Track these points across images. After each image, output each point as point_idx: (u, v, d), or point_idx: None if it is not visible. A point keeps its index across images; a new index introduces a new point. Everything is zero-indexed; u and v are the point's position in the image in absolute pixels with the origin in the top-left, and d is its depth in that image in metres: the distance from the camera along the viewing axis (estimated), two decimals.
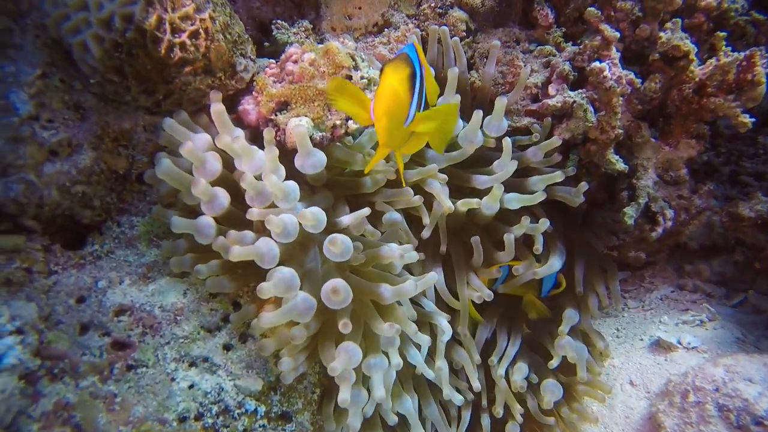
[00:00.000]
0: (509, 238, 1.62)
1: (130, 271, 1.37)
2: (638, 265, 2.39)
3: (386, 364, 1.37)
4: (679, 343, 1.89)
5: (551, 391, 1.67)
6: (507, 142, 1.62)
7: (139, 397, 1.20)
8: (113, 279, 1.35)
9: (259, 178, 1.29)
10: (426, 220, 1.60)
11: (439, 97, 1.66)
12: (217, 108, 1.32)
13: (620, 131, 1.69)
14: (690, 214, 2.13)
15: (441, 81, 1.71)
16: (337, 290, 1.20)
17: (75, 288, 1.31)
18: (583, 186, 1.69)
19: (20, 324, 1.00)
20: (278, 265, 1.26)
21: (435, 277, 1.40)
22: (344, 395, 1.27)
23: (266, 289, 1.20)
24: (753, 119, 1.63)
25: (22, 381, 0.98)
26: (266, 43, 1.80)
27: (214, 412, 1.26)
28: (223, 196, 1.27)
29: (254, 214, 1.28)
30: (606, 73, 1.58)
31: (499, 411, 1.68)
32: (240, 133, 1.34)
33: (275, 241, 1.26)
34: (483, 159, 1.75)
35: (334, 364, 1.24)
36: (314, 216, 1.25)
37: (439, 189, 1.59)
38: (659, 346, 1.92)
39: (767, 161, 2.41)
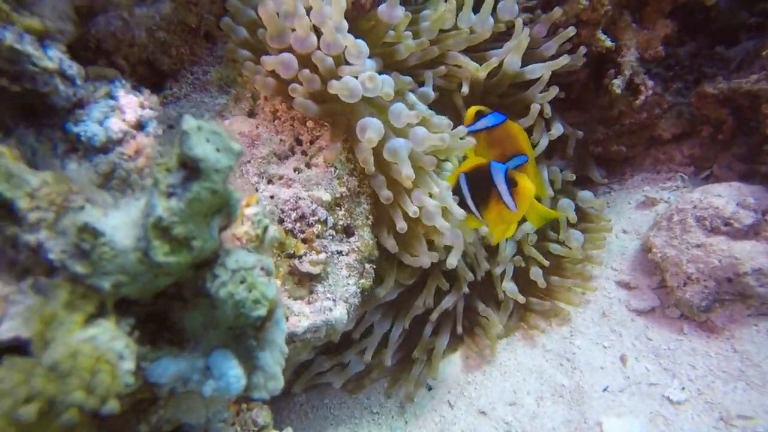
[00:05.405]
0: (534, 107, 1.89)
1: (208, 109, 1.58)
2: (619, 159, 2.73)
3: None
4: (661, 199, 2.23)
5: (576, 238, 1.97)
6: (519, 21, 1.89)
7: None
8: (195, 114, 1.55)
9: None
10: (466, 88, 1.86)
11: None
12: None
13: (609, 8, 2.00)
14: (662, 109, 2.48)
15: None
16: (373, 78, 1.43)
17: (164, 118, 1.50)
18: (582, 49, 1.98)
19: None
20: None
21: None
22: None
23: (369, 137, 1.45)
24: None
25: None
26: None
27: (293, 218, 1.48)
28: (314, 37, 1.46)
29: (345, 71, 1.47)
30: None
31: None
32: None
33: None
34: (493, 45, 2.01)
35: None
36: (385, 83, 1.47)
37: (463, 57, 1.85)
38: (645, 203, 2.26)
39: (723, 67, 2.79)
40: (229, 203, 0.63)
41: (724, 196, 1.78)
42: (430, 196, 1.54)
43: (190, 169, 0.55)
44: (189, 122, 0.56)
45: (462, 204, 1.56)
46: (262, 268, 0.67)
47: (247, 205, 0.93)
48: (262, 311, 0.64)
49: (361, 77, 1.43)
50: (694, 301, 1.79)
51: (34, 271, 0.66)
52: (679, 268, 1.82)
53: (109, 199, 0.72)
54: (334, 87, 1.43)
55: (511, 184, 1.48)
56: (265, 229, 0.93)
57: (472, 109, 1.78)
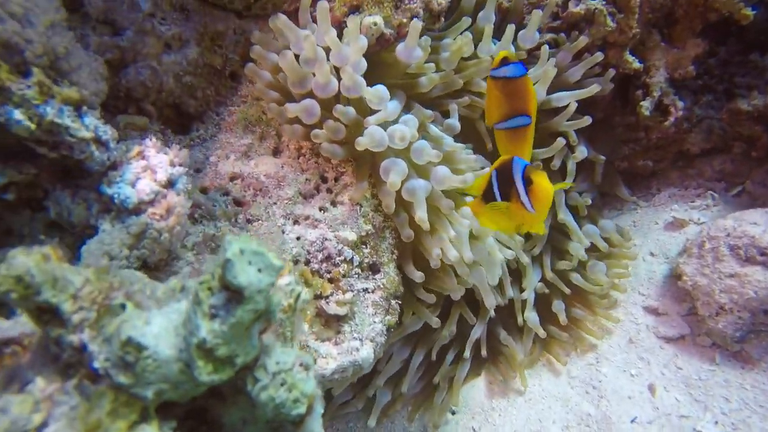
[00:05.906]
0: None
1: (234, 150, 1.59)
2: (646, 174, 2.67)
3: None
4: (690, 220, 2.17)
5: (600, 269, 1.94)
6: (544, 48, 1.86)
7: (260, 241, 1.43)
8: (221, 155, 1.57)
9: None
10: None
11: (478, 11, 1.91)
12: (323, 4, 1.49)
13: (637, 30, 1.95)
14: (692, 123, 2.41)
15: None
16: (404, 137, 1.43)
17: (191, 162, 1.53)
18: (611, 72, 1.94)
19: (181, 162, 1.22)
20: None
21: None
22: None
23: (393, 181, 1.46)
24: (754, 11, 1.90)
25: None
26: None
27: (320, 259, 1.49)
28: (335, 81, 1.47)
29: (370, 121, 1.48)
30: None
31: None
32: (333, 31, 1.53)
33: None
34: None
35: None
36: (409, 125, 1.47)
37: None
38: (673, 224, 2.21)
39: (757, 76, 2.69)
40: (269, 310, 0.64)
41: (761, 224, 1.73)
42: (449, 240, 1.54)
43: (233, 292, 0.56)
44: (233, 248, 0.57)
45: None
46: (301, 364, 0.68)
47: (280, 276, 0.95)
48: (301, 410, 0.65)
49: (390, 131, 1.43)
50: (728, 331, 1.75)
51: (78, 370, 0.68)
52: (711, 298, 1.77)
53: (147, 289, 0.74)
54: (361, 144, 1.44)
55: (527, 182, 1.31)
56: (297, 297, 0.95)
57: (501, 53, 1.69)
